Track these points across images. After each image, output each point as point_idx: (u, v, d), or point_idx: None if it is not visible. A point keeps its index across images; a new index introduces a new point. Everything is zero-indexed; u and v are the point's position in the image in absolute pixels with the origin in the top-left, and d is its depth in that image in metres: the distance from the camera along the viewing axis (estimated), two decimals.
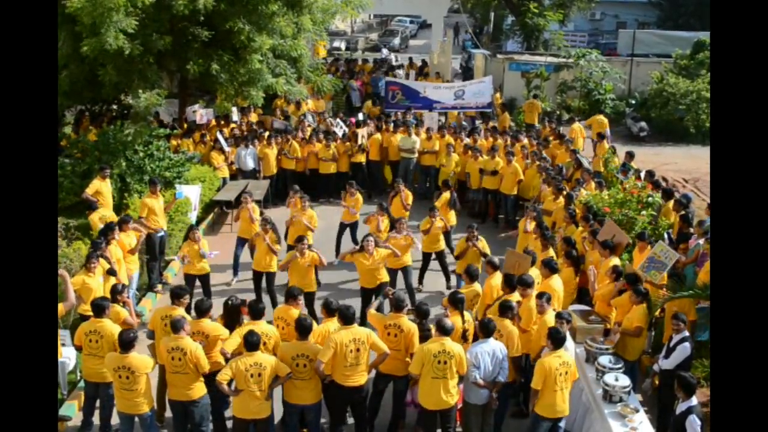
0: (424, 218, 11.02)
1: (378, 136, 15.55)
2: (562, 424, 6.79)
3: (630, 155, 13.80)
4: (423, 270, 11.19)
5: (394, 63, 25.94)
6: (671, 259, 8.54)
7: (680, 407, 6.16)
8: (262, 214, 11.10)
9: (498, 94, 20.29)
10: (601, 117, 17.71)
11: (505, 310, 7.32)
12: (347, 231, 12.21)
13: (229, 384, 6.56)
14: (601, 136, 16.23)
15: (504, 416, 7.44)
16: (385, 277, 9.47)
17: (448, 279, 11.26)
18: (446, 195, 11.78)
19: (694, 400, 6.08)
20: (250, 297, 8.70)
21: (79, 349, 7.36)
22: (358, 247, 9.56)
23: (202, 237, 10.07)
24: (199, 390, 6.75)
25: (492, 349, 6.81)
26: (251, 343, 6.51)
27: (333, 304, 7.33)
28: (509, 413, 7.63)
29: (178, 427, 6.97)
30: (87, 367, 7.26)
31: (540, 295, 7.63)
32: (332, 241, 12.22)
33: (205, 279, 10.04)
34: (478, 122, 18.43)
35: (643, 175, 12.49)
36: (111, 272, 8.62)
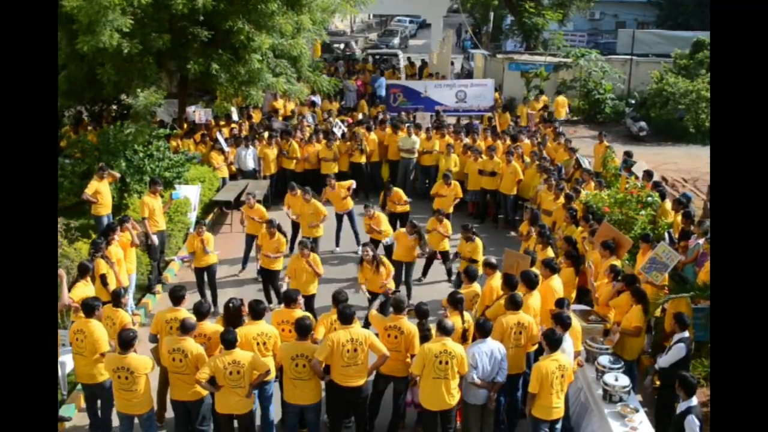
0: (430, 218, 11.20)
1: (374, 136, 15.56)
2: (558, 425, 6.79)
3: (628, 155, 13.81)
4: (427, 266, 11.36)
5: (400, 63, 25.81)
6: (673, 261, 8.50)
7: (680, 407, 6.16)
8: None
9: (497, 94, 20.35)
10: (563, 97, 20.49)
11: (516, 303, 7.23)
12: (345, 220, 12.51)
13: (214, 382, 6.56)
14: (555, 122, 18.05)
15: (518, 413, 7.46)
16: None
17: (449, 275, 11.36)
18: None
19: (694, 400, 6.07)
20: (253, 294, 8.68)
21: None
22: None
23: (206, 233, 10.05)
24: (201, 390, 6.73)
25: (490, 349, 6.79)
26: (227, 341, 6.53)
27: (342, 296, 7.35)
28: (505, 408, 7.56)
29: (179, 426, 6.96)
30: (76, 367, 7.20)
31: (559, 303, 7.55)
32: (332, 241, 12.46)
33: (211, 271, 10.09)
34: (476, 122, 18.45)
35: (640, 174, 12.49)
36: (104, 282, 8.59)
